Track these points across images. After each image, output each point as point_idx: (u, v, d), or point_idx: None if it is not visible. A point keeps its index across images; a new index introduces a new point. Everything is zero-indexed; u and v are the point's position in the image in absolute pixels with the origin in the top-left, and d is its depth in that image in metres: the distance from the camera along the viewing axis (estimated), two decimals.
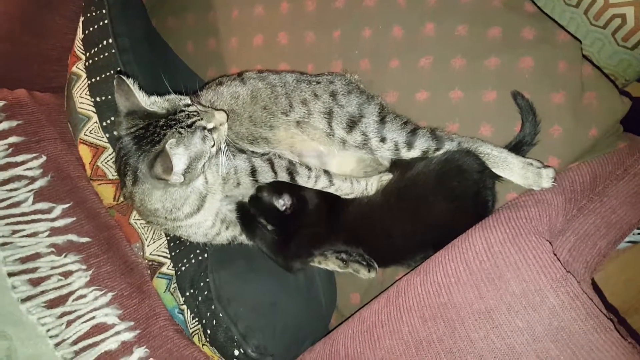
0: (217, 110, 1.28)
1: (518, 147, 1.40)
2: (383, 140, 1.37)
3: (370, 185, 1.42)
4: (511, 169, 1.36)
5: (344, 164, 1.48)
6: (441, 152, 1.37)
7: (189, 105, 1.23)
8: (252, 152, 1.39)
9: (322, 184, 1.41)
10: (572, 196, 1.36)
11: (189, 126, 1.19)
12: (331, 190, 1.42)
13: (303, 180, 1.39)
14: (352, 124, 1.38)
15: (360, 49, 1.55)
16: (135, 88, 1.20)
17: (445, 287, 1.18)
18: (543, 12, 1.51)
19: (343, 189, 1.42)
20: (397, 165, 1.43)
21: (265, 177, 1.36)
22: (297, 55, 1.62)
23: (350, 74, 1.51)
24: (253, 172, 1.35)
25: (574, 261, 1.25)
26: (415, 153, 1.37)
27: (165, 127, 1.18)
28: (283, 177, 1.37)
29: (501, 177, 1.38)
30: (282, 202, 1.38)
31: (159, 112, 1.21)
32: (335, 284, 1.59)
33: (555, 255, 1.12)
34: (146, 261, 1.54)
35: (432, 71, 1.48)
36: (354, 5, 1.56)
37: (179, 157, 1.16)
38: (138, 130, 1.20)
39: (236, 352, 1.31)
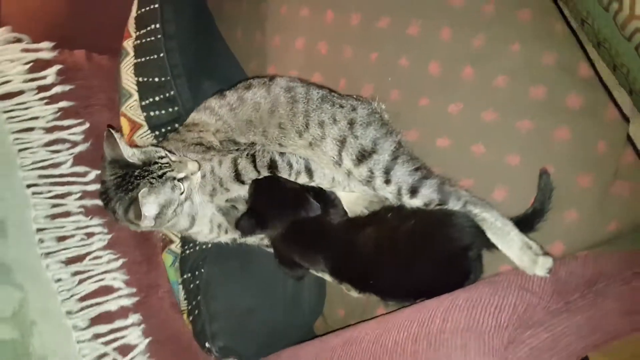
0: (190, 160, 1.37)
1: (523, 222, 1.33)
2: (388, 182, 1.35)
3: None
4: (509, 246, 1.30)
5: (350, 194, 1.51)
6: (444, 207, 1.34)
7: (162, 157, 1.35)
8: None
9: (303, 180, 1.48)
10: (564, 289, 1.29)
11: (160, 177, 1.32)
12: (312, 184, 1.48)
13: (285, 175, 1.46)
14: (361, 158, 1.36)
15: (394, 77, 1.49)
16: (121, 141, 1.36)
17: (389, 355, 1.21)
18: (599, 79, 1.34)
19: (324, 185, 1.48)
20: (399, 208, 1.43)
21: (250, 176, 1.44)
22: (332, 68, 1.59)
23: (377, 102, 1.46)
24: (237, 176, 1.43)
25: None
26: (417, 202, 1.34)
27: (139, 177, 1.34)
28: (265, 173, 1.44)
29: (497, 248, 1.34)
30: None
31: (136, 163, 1.33)
32: (325, 293, 1.66)
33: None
34: (160, 234, 1.70)
35: (459, 119, 1.41)
36: (397, 30, 1.49)
37: (150, 205, 1.32)
38: (117, 178, 1.36)
39: (206, 345, 1.48)
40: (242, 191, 1.48)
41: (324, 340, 1.42)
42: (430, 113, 1.45)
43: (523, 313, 1.24)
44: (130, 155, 1.35)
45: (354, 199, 1.52)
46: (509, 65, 1.37)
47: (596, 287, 1.30)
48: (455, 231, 1.32)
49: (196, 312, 1.51)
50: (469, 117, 1.40)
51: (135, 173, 1.33)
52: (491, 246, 1.34)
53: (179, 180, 1.36)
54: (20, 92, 1.61)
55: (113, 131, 1.34)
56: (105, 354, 1.49)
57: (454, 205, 1.33)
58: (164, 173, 1.34)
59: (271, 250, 1.57)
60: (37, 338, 1.41)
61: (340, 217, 1.52)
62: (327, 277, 1.59)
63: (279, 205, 1.44)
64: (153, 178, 1.32)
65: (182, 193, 1.37)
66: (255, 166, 1.43)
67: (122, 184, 1.34)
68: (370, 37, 1.53)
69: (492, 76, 1.38)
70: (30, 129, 1.59)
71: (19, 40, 1.69)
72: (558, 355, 1.26)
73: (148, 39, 1.60)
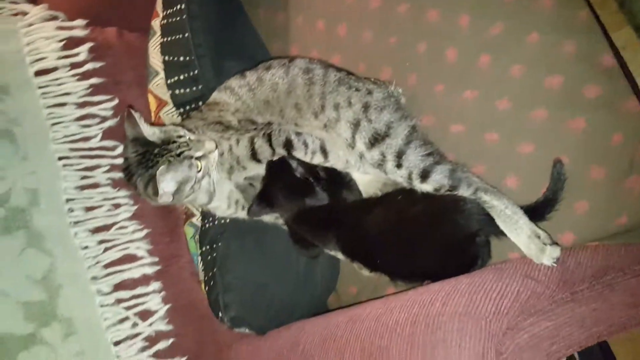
0: (208, 140, 1.42)
1: (533, 211, 1.33)
2: (399, 166, 1.37)
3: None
4: (518, 234, 1.31)
5: (364, 176, 1.53)
6: (454, 193, 1.35)
7: (181, 137, 1.40)
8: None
9: (317, 160, 1.51)
10: (571, 279, 1.29)
11: (178, 155, 1.40)
12: (327, 165, 1.52)
13: (300, 155, 1.50)
14: (374, 141, 1.38)
15: (412, 62, 1.50)
16: (141, 120, 1.43)
17: (389, 333, 1.25)
18: (623, 68, 1.30)
19: (338, 166, 1.52)
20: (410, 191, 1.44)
21: (265, 155, 1.49)
22: (352, 51, 1.60)
23: (394, 86, 1.48)
24: (254, 154, 1.48)
25: (530, 348, 1.23)
26: (427, 187, 1.35)
27: (158, 155, 1.41)
28: (280, 153, 1.49)
29: (506, 235, 1.34)
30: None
31: (156, 141, 1.40)
32: (339, 270, 1.72)
33: (498, 346, 1.14)
34: (183, 208, 1.78)
35: (474, 106, 1.41)
36: (416, 15, 1.48)
37: (167, 182, 1.39)
38: (138, 155, 1.44)
39: (219, 314, 1.57)
40: (259, 169, 1.52)
41: (330, 316, 1.47)
42: (445, 99, 1.46)
43: (526, 301, 1.25)
44: (151, 134, 1.42)
45: (367, 180, 1.54)
46: (526, 54, 1.35)
47: (604, 279, 1.30)
48: (463, 217, 1.33)
49: (212, 283, 1.59)
50: (483, 104, 1.40)
51: (155, 151, 1.40)
52: (500, 233, 1.35)
53: (196, 158, 1.41)
54: (55, 69, 1.68)
55: (133, 111, 1.40)
56: (126, 318, 1.60)
57: (464, 191, 1.34)
58: (182, 152, 1.40)
59: (286, 228, 1.63)
60: (63, 301, 1.52)
61: (356, 198, 1.56)
62: (340, 256, 1.64)
63: (288, 191, 1.50)
64: (171, 156, 1.39)
65: (199, 171, 1.42)
66: (271, 145, 1.47)
67: (143, 161, 1.41)
68: (390, 21, 1.53)
69: (508, 65, 1.36)
70: (63, 104, 1.67)
71: (54, 18, 1.76)
72: (558, 345, 1.27)
73: (174, 19, 1.65)
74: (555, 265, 1.28)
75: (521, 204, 1.32)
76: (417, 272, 1.42)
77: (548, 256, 1.28)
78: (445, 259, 1.37)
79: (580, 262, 1.30)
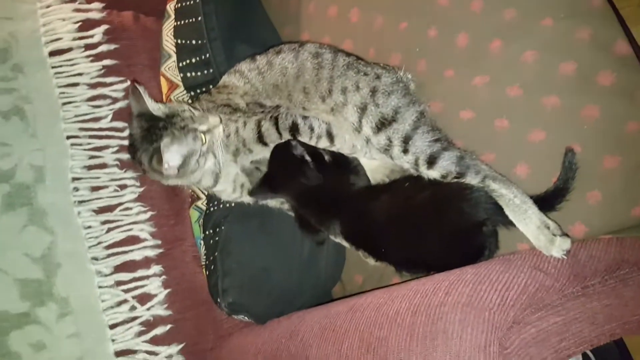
0: (212, 115, 1.43)
1: (543, 201, 1.28)
2: (405, 151, 1.33)
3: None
4: (526, 224, 1.26)
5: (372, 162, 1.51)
6: (461, 180, 1.30)
7: (184, 111, 1.41)
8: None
9: (323, 144, 1.49)
10: (582, 272, 1.23)
11: (182, 128, 1.41)
12: (333, 149, 1.50)
13: (306, 139, 1.48)
14: (381, 126, 1.36)
15: (422, 47, 1.47)
16: (145, 94, 1.44)
17: (389, 323, 1.20)
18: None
19: (344, 150, 1.50)
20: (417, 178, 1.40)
21: (271, 138, 1.47)
22: (363, 36, 1.59)
23: (403, 72, 1.45)
24: (260, 137, 1.46)
25: (537, 344, 1.17)
26: (434, 174, 1.32)
27: (162, 129, 1.41)
28: (286, 136, 1.47)
29: (514, 225, 1.29)
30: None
31: (160, 116, 1.40)
32: (344, 259, 1.69)
33: (502, 340, 1.08)
34: (190, 190, 1.77)
35: (484, 92, 1.37)
36: (428, 0, 1.46)
37: (172, 154, 1.39)
38: (142, 131, 1.45)
39: (218, 300, 1.55)
40: (265, 153, 1.51)
41: (332, 306, 1.44)
42: (454, 85, 1.42)
43: (534, 294, 1.19)
44: (156, 109, 1.43)
45: (375, 167, 1.52)
46: (539, 40, 1.31)
47: (617, 274, 1.23)
48: (470, 205, 1.29)
49: (212, 267, 1.57)
50: (494, 90, 1.36)
51: (160, 125, 1.40)
52: (509, 223, 1.30)
53: (200, 132, 1.42)
54: (69, 49, 1.71)
55: (137, 85, 1.41)
56: (124, 301, 1.59)
57: (472, 179, 1.30)
58: (186, 125, 1.40)
59: (292, 213, 1.60)
60: (61, 279, 1.52)
61: (362, 183, 1.53)
62: (345, 243, 1.60)
63: (286, 172, 1.47)
64: (175, 129, 1.39)
65: (203, 144, 1.42)
66: (277, 128, 1.46)
67: (147, 135, 1.42)
68: (400, 5, 1.52)
69: (520, 50, 1.33)
70: (75, 84, 1.69)
71: (72, 1, 1.78)
72: (567, 342, 1.20)
73: (187, 3, 1.67)
74: (565, 257, 1.22)
75: (531, 194, 1.27)
76: (422, 262, 1.38)
77: (558, 248, 1.23)
78: (451, 249, 1.33)
79: (592, 255, 1.24)
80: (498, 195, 1.28)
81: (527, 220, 1.27)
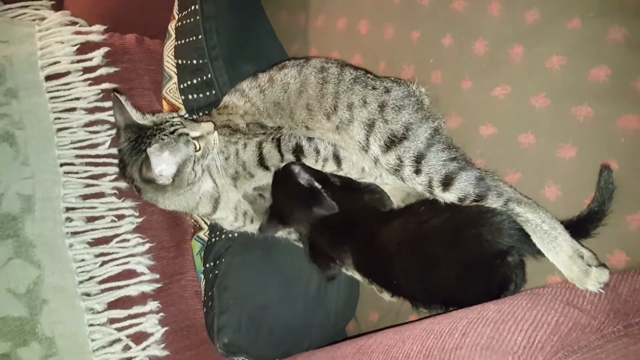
0: (205, 122, 1.34)
1: (576, 227, 1.13)
2: (418, 172, 1.20)
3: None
4: (557, 253, 1.11)
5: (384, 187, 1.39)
6: (481, 204, 1.17)
7: (174, 117, 1.33)
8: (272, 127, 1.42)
9: (330, 168, 1.38)
10: (624, 308, 1.07)
11: (172, 133, 1.31)
12: (341, 173, 1.39)
13: (311, 162, 1.38)
14: (390, 144, 1.23)
15: (436, 57, 1.37)
16: (127, 104, 1.36)
17: None
18: None
19: (352, 174, 1.39)
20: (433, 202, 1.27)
21: (273, 161, 1.37)
22: (373, 49, 1.51)
23: (416, 85, 1.33)
24: (261, 160, 1.36)
25: None
26: (450, 197, 1.18)
27: (150, 137, 1.33)
28: (289, 158, 1.37)
29: (542, 254, 1.15)
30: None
31: (148, 124, 1.32)
32: (358, 294, 1.55)
33: None
34: (192, 221, 1.68)
35: (506, 104, 1.25)
36: (441, 5, 1.36)
37: (164, 161, 1.29)
38: (130, 142, 1.36)
39: (213, 340, 1.42)
40: (268, 178, 1.41)
41: (339, 346, 1.30)
42: (472, 97, 1.31)
43: (567, 334, 1.04)
44: (141, 117, 1.35)
45: (387, 191, 1.40)
46: (567, 43, 1.19)
47: None
48: (490, 231, 1.15)
49: (210, 303, 1.46)
50: (517, 101, 1.24)
51: (148, 133, 1.32)
52: (537, 253, 1.16)
53: (193, 138, 1.32)
54: (67, 73, 1.65)
55: (118, 95, 1.33)
56: (117, 340, 1.48)
57: (493, 202, 1.16)
58: (176, 129, 1.32)
59: (299, 244, 1.49)
60: (46, 318, 1.43)
61: (382, 202, 1.41)
62: (358, 276, 1.48)
63: (294, 203, 1.38)
64: (165, 135, 1.30)
65: (197, 150, 1.32)
66: (280, 150, 1.36)
67: (135, 146, 1.33)
68: (412, 14, 1.42)
69: (545, 55, 1.21)
70: (72, 109, 1.63)
71: (74, 24, 1.75)
72: None
73: (188, 20, 1.61)
74: (602, 291, 1.08)
75: (561, 218, 1.14)
76: (439, 297, 1.23)
77: (594, 280, 1.08)
78: (471, 281, 1.18)
79: (636, 289, 1.09)
80: (524, 220, 1.14)
81: (557, 248, 1.12)
